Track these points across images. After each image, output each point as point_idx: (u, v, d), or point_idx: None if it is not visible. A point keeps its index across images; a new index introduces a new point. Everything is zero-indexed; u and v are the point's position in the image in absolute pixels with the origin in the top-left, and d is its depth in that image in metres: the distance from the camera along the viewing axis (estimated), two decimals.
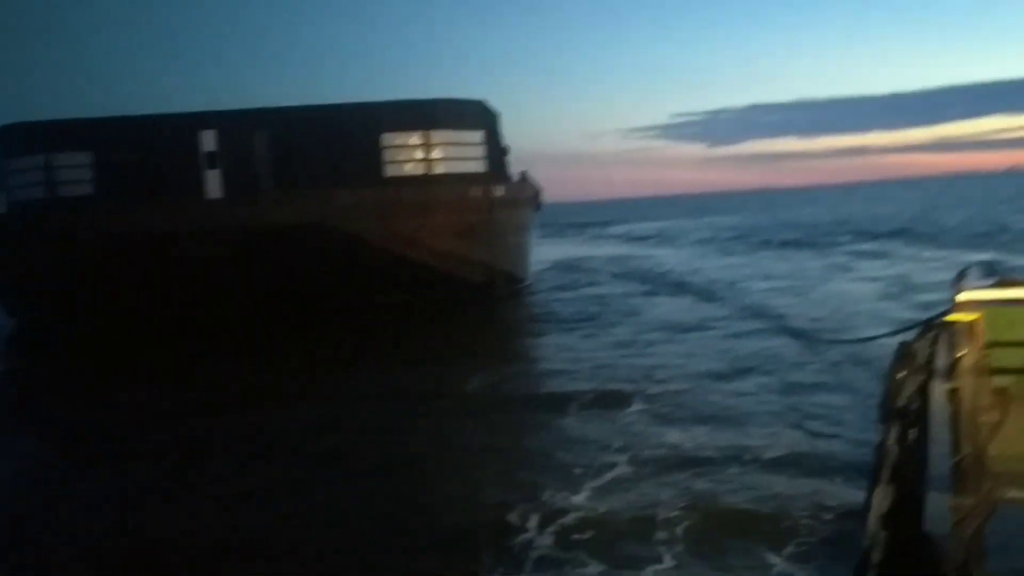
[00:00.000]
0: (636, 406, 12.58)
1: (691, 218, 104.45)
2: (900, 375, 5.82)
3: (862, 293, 24.55)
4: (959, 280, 7.15)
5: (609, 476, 9.47)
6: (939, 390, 5.30)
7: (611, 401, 12.95)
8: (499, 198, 24.46)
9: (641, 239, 65.53)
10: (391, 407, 13.81)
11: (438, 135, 23.73)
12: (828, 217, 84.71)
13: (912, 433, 5.12)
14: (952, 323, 5.61)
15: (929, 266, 31.25)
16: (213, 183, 22.39)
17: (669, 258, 44.38)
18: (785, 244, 50.35)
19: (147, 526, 8.97)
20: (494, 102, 25.49)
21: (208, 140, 22.46)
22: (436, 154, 23.67)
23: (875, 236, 50.85)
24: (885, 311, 20.50)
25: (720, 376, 14.37)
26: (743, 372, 14.50)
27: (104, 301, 21.72)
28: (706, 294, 25.89)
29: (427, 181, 23.44)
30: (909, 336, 7.71)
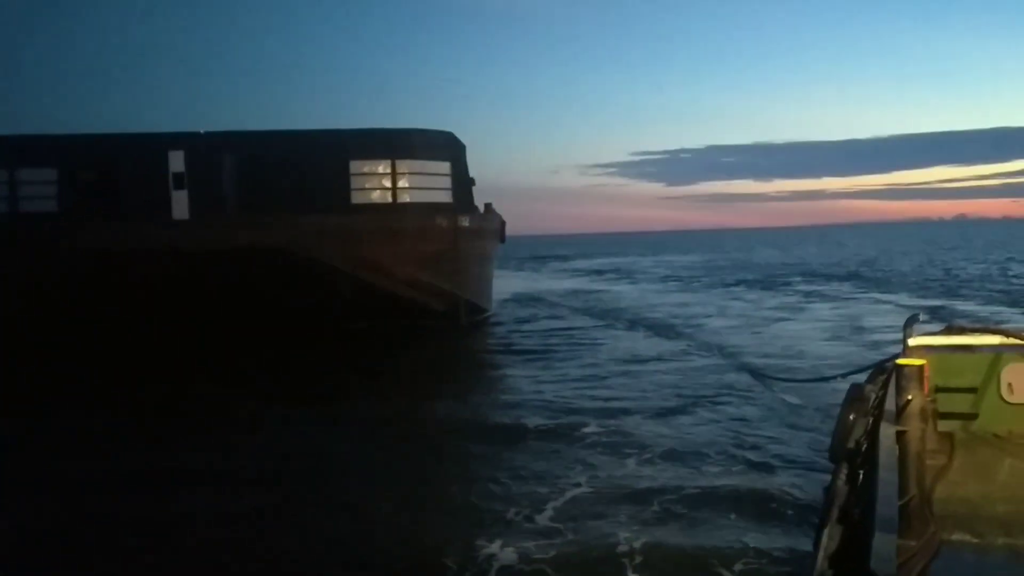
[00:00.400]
0: (592, 437, 12.86)
1: (649, 255, 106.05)
2: (850, 417, 5.92)
3: (813, 332, 25.24)
4: (909, 325, 7.28)
5: (567, 501, 9.78)
6: (887, 433, 5.39)
7: (568, 431, 13.23)
8: (465, 228, 24.74)
9: (600, 274, 66.34)
10: (352, 433, 13.94)
11: (406, 164, 23.80)
12: (783, 258, 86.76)
13: (861, 474, 5.26)
14: (901, 367, 5.59)
15: (879, 308, 32.32)
16: (180, 204, 22.32)
17: (628, 293, 44.99)
18: (741, 283, 51.46)
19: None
20: (455, 132, 25.83)
21: (176, 161, 22.48)
22: (403, 183, 23.74)
23: (828, 278, 52.18)
24: (835, 350, 21.18)
25: (674, 410, 14.72)
26: (697, 406, 14.88)
27: (65, 317, 21.57)
28: (663, 329, 26.41)
29: (394, 209, 23.52)
30: (861, 378, 7.91)
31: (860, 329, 25.80)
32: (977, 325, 8.00)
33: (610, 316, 31.32)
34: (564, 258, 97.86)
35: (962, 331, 7.35)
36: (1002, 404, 6.84)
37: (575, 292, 45.38)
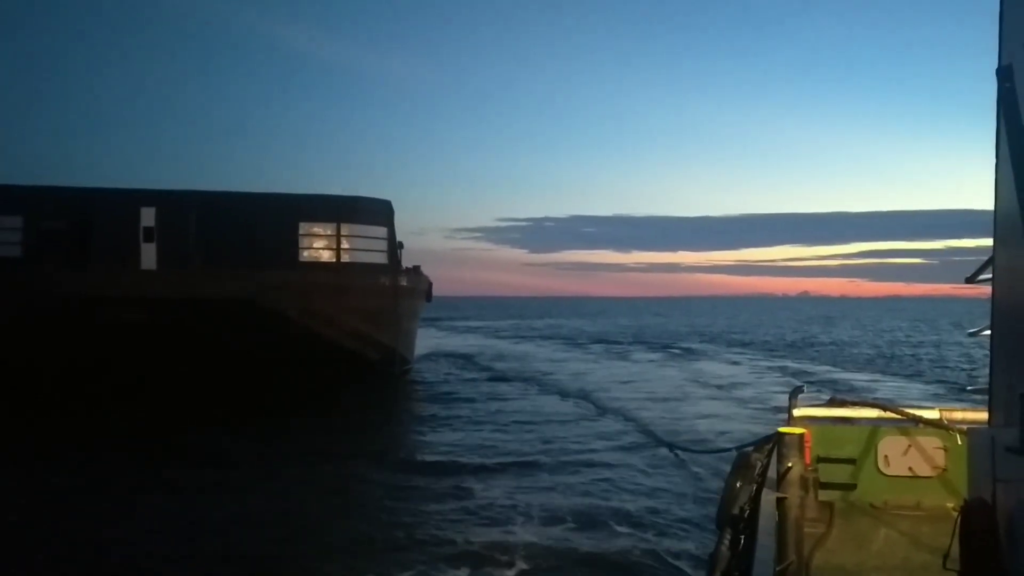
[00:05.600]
0: (493, 481, 14.65)
1: (520, 319, 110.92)
2: (736, 483, 5.98)
3: (683, 385, 30.03)
4: (794, 396, 7.29)
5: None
6: (768, 499, 5.49)
7: (466, 471, 15.45)
8: (403, 287, 27.87)
9: (477, 333, 70.45)
10: (293, 469, 15.80)
11: (349, 228, 26.52)
12: (644, 323, 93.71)
13: (742, 539, 5.38)
14: (783, 435, 5.69)
15: (731, 367, 38.14)
16: (148, 255, 24.26)
17: (513, 351, 49.32)
18: (612, 343, 57.11)
19: None
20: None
21: (148, 216, 24.45)
22: (346, 244, 26.48)
23: (687, 342, 58.30)
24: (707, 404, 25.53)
25: (579, 462, 16.72)
26: (591, 466, 16.22)
27: (30, 361, 22.84)
28: (555, 387, 29.45)
29: (337, 269, 26.09)
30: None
31: (708, 382, 31.24)
32: (857, 399, 8.23)
33: (495, 371, 35.30)
34: (436, 319, 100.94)
35: (843, 404, 7.54)
36: (878, 476, 6.98)
37: (466, 348, 48.90)
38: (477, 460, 16.54)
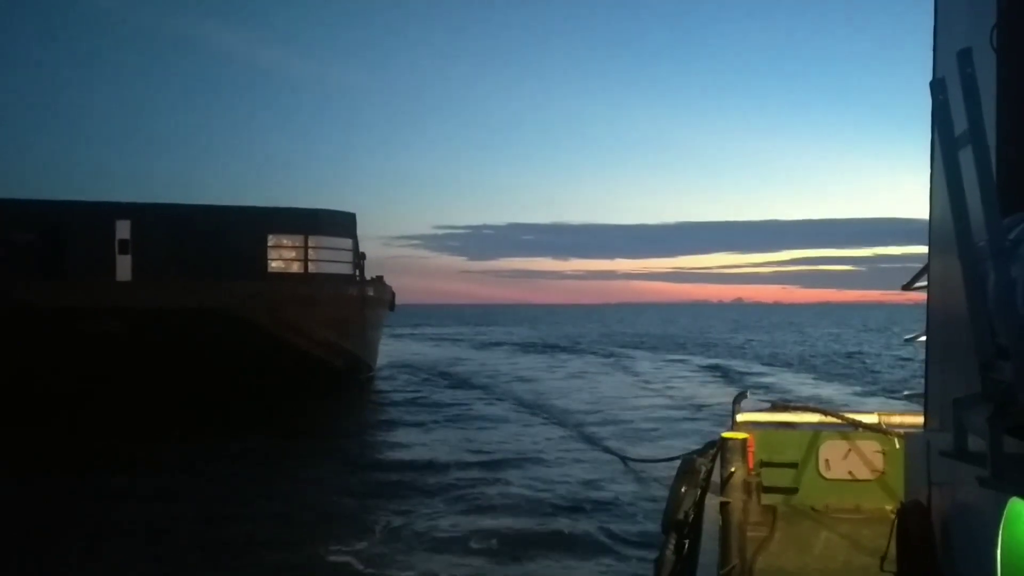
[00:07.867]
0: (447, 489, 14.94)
1: (462, 326, 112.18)
2: (682, 488, 6.06)
3: (628, 388, 31.97)
4: (738, 402, 7.41)
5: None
6: (712, 504, 5.57)
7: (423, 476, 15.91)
8: (370, 297, 28.92)
9: (423, 340, 71.63)
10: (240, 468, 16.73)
11: (316, 240, 27.40)
12: (584, 330, 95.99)
13: (687, 543, 5.52)
14: (726, 441, 5.80)
15: (667, 368, 40.29)
16: (123, 267, 24.79)
17: (461, 357, 50.81)
18: (555, 348, 59.27)
19: None
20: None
21: (123, 228, 24.98)
22: (313, 256, 27.32)
23: (629, 346, 60.30)
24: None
25: (532, 461, 17.42)
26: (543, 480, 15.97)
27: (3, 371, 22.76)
28: (504, 393, 30.56)
29: (305, 279, 26.91)
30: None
31: (645, 381, 33.79)
32: (799, 404, 8.39)
33: (446, 376, 36.86)
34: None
35: (785, 408, 7.64)
36: (819, 479, 7.07)
37: (415, 356, 50.15)
38: (435, 473, 16.42)
